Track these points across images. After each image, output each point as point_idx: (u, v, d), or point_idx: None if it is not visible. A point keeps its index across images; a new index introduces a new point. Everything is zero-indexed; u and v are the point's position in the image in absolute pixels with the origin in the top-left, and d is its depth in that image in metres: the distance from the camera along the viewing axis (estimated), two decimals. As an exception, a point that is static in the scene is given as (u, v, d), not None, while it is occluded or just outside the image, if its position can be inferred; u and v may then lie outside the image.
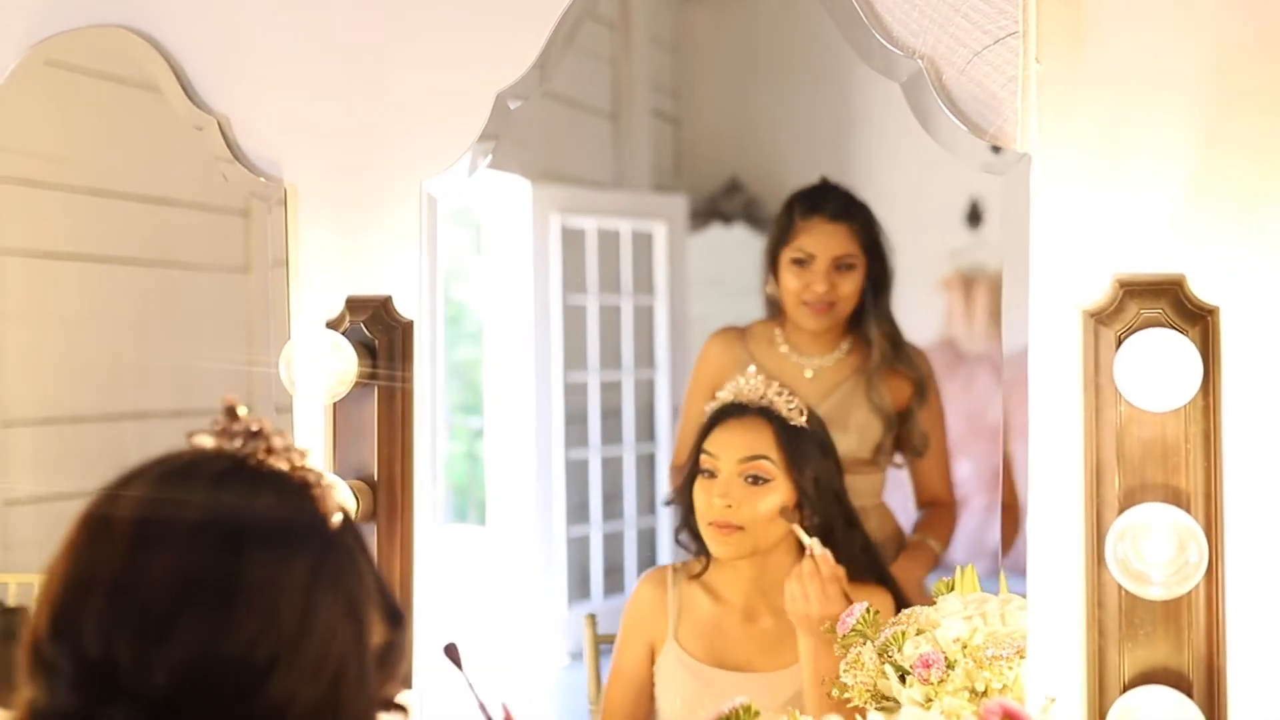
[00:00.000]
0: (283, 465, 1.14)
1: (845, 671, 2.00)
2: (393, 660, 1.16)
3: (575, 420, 3.06)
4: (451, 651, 1.66)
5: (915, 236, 3.00)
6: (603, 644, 2.51)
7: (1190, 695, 1.78)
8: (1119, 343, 1.80)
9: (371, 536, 2.20)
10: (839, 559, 2.20)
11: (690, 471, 2.31)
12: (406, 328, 2.24)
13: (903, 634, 1.98)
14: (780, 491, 2.23)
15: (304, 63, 2.33)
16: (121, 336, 2.62)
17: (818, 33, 2.38)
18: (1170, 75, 1.84)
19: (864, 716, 1.97)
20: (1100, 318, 1.84)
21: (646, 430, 3.15)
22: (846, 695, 1.99)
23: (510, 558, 2.95)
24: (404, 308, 2.24)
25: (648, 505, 3.03)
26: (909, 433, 2.54)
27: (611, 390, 3.12)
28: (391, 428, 2.23)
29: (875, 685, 1.96)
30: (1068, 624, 1.86)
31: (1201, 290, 1.82)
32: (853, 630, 2.02)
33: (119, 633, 1.04)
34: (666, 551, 2.55)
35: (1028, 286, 1.89)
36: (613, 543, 3.08)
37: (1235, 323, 1.81)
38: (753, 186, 3.19)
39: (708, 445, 2.28)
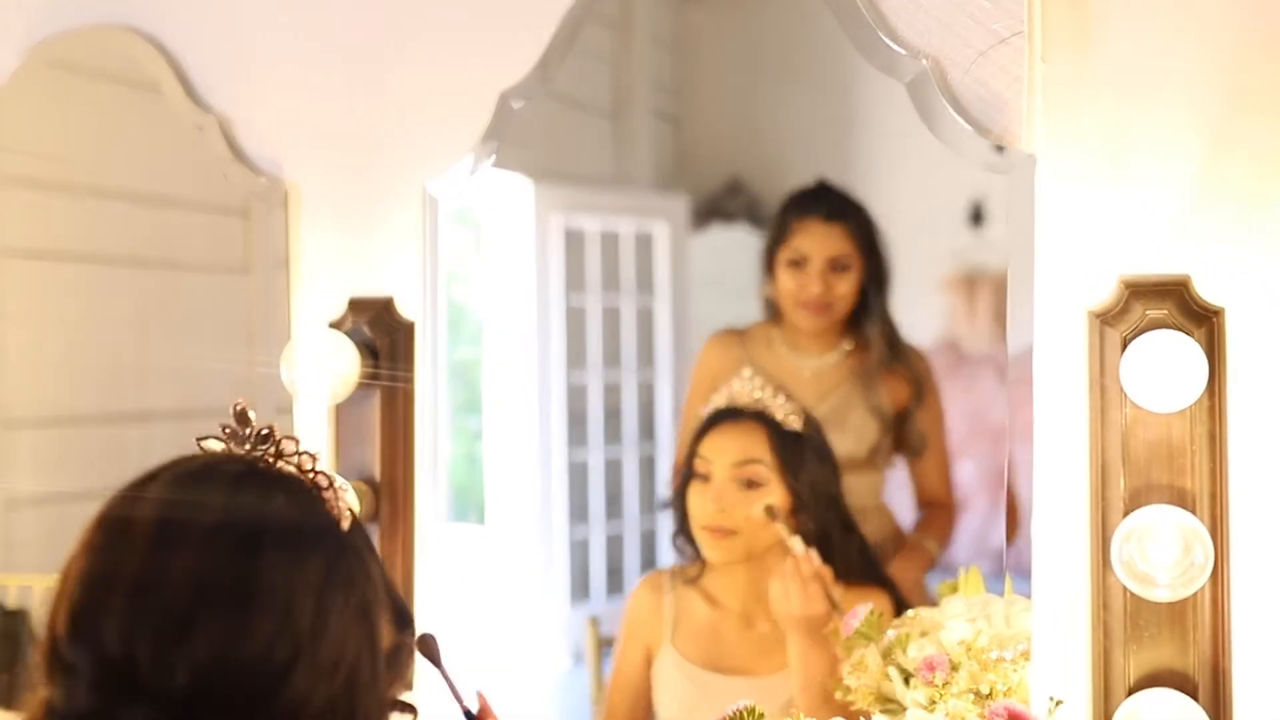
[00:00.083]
0: (292, 469, 1.15)
1: (849, 674, 2.00)
2: (400, 661, 1.18)
3: (576, 421, 3.06)
4: (427, 644, 1.60)
5: (919, 237, 3.00)
6: (606, 647, 2.50)
7: (1195, 698, 1.77)
8: (1124, 344, 1.79)
9: (373, 537, 2.19)
10: (836, 563, 2.19)
11: (685, 475, 2.30)
12: (408, 328, 2.23)
13: (907, 636, 1.97)
14: (774, 496, 2.22)
15: (305, 62, 2.32)
16: (122, 337, 2.61)
17: (820, 32, 2.37)
18: (1176, 75, 1.84)
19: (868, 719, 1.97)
20: (1105, 319, 1.83)
21: (647, 430, 3.14)
22: (849, 698, 1.98)
23: (511, 558, 2.94)
24: (406, 308, 2.24)
25: (648, 506, 3.02)
26: (908, 433, 2.54)
27: (612, 391, 3.12)
28: (393, 428, 2.22)
29: (879, 688, 1.96)
30: (1072, 626, 1.85)
31: (1207, 291, 1.81)
32: (856, 632, 2.02)
33: (140, 633, 1.05)
34: (667, 552, 2.54)
35: (1032, 287, 1.88)
36: (613, 544, 3.08)
37: (1241, 324, 1.80)
38: (755, 186, 3.19)
39: (702, 449, 2.27)
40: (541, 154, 2.86)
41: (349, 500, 1.16)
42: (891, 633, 2.00)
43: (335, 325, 2.24)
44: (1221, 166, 1.82)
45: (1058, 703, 1.71)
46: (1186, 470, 1.79)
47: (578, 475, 3.05)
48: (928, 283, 3.06)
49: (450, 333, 2.30)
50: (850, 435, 2.50)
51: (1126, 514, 1.79)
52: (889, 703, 1.95)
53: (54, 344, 2.64)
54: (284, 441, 1.16)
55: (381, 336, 2.22)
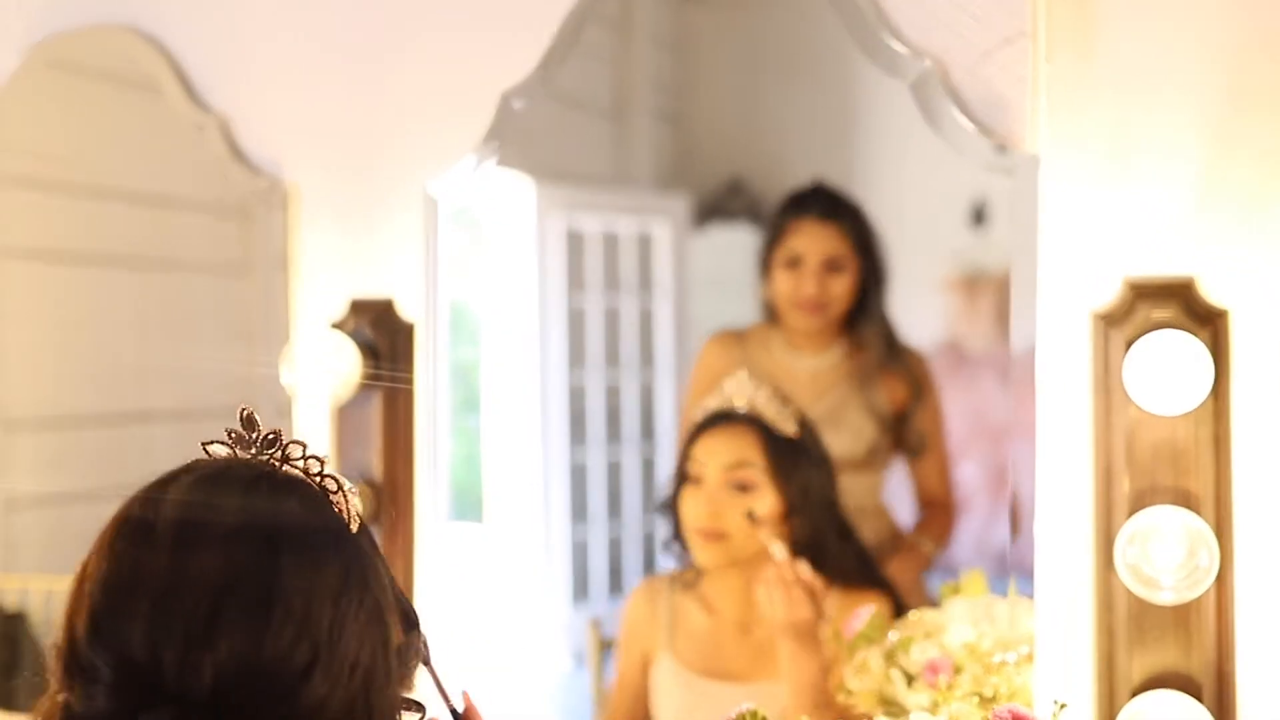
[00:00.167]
0: (299, 472, 1.15)
1: (852, 677, 1.99)
2: (408, 661, 1.19)
3: (576, 421, 3.06)
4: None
5: (921, 237, 2.99)
6: (608, 649, 2.49)
7: (1200, 700, 1.77)
8: (1129, 345, 1.78)
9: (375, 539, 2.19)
10: (832, 568, 2.18)
11: (678, 478, 2.28)
12: (409, 329, 2.22)
13: (910, 638, 1.97)
14: (766, 500, 2.20)
15: (306, 63, 2.32)
16: (122, 337, 2.61)
17: (822, 32, 2.37)
18: (1180, 76, 1.83)
19: (870, 722, 1.97)
20: (1110, 320, 1.82)
21: (648, 431, 3.14)
22: (852, 701, 1.98)
23: (512, 559, 2.94)
24: (407, 309, 2.23)
25: (649, 506, 3.02)
26: (906, 433, 2.54)
27: (613, 391, 3.11)
28: (394, 429, 2.21)
29: (882, 691, 1.95)
30: (1076, 628, 1.85)
31: (1212, 292, 1.80)
32: (859, 635, 2.01)
33: (166, 636, 1.05)
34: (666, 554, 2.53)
35: (1036, 289, 1.87)
36: (614, 544, 3.08)
37: (1246, 325, 1.79)
38: (755, 186, 3.19)
39: (694, 452, 2.26)
40: (542, 154, 2.85)
41: (357, 503, 1.17)
42: (894, 635, 2.00)
43: (337, 326, 2.23)
44: (1226, 167, 1.81)
45: (1061, 706, 1.70)
46: (1191, 472, 1.79)
47: (578, 475, 3.05)
48: (930, 283, 3.06)
49: (451, 333, 2.30)
50: (848, 435, 2.49)
51: (1130, 516, 1.79)
52: (891, 705, 1.95)
53: (54, 344, 2.64)
54: (290, 446, 1.16)
55: (382, 337, 2.21)
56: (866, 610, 2.05)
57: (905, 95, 1.97)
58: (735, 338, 2.67)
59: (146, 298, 2.59)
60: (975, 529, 2.77)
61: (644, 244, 3.17)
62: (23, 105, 2.55)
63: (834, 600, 2.16)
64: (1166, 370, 1.74)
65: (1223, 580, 1.77)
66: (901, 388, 2.54)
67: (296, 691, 1.06)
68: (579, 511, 3.03)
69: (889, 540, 2.52)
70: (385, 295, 2.24)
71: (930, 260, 3.03)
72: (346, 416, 2.23)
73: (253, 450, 1.15)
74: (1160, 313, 1.80)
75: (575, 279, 3.05)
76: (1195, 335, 1.77)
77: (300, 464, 1.16)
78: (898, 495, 2.60)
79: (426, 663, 1.40)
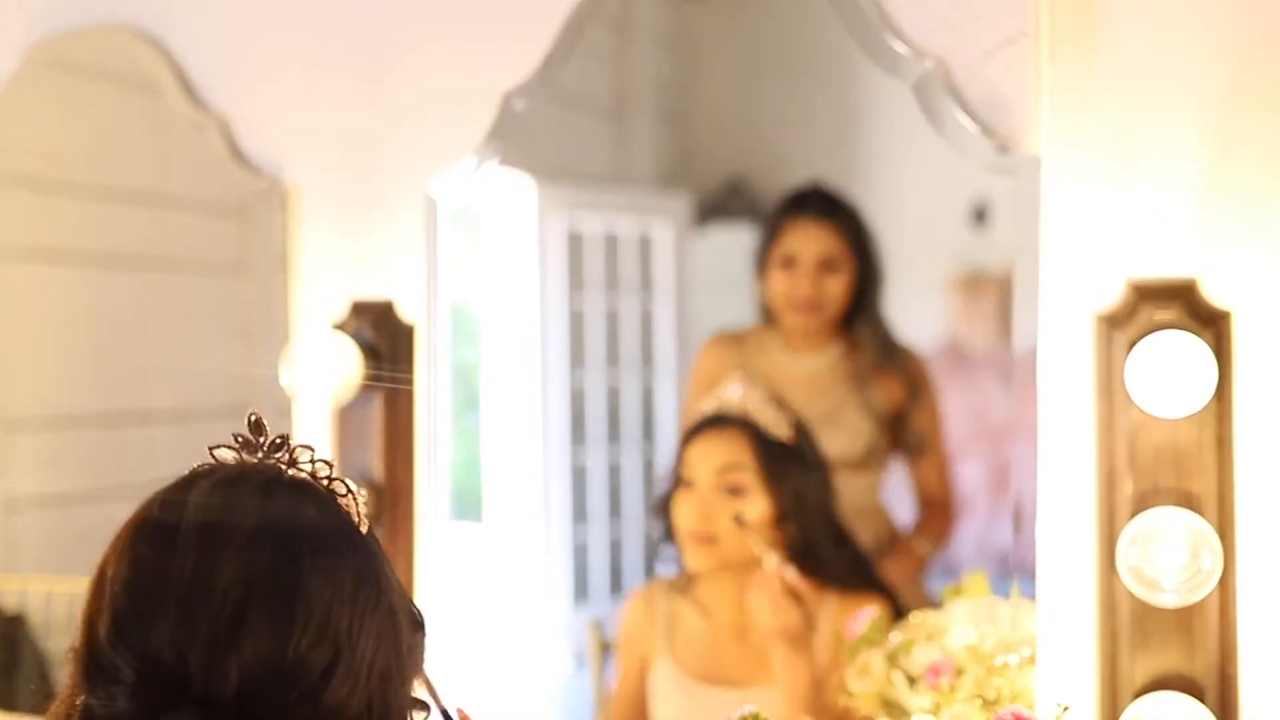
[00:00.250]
0: (306, 476, 1.17)
1: (854, 679, 1.99)
2: (416, 661, 1.20)
3: (577, 420, 3.05)
4: None
5: (922, 238, 2.99)
6: (609, 651, 2.49)
7: (1203, 702, 1.76)
8: (1131, 347, 1.78)
9: (375, 540, 2.18)
10: (828, 573, 2.18)
11: (672, 481, 2.28)
12: (410, 330, 2.22)
13: (912, 641, 1.96)
14: (757, 504, 2.19)
15: (306, 63, 2.32)
16: (122, 338, 2.61)
17: (824, 32, 2.37)
18: (1182, 77, 1.83)
19: (872, 725, 1.96)
20: (1112, 321, 1.82)
21: (649, 431, 3.14)
22: (854, 703, 1.97)
23: (512, 559, 2.94)
24: (408, 310, 2.23)
25: (650, 507, 3.02)
26: (904, 433, 2.54)
27: (614, 391, 3.11)
28: (395, 430, 2.21)
29: (883, 693, 1.95)
30: (1078, 630, 1.84)
31: (1215, 293, 1.80)
32: (861, 637, 2.01)
33: (191, 637, 1.07)
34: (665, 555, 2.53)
35: (1038, 290, 1.87)
36: (614, 544, 3.07)
37: (1249, 326, 1.79)
38: (757, 186, 3.18)
39: (687, 455, 2.25)
40: (543, 154, 2.85)
41: (364, 506, 1.19)
42: (896, 637, 1.99)
43: (337, 327, 2.23)
44: (1229, 167, 1.81)
45: (1064, 708, 1.70)
46: (1194, 474, 1.78)
47: (579, 476, 3.05)
48: (931, 283, 3.06)
49: (451, 333, 2.29)
50: (846, 436, 2.49)
51: (1133, 518, 1.78)
52: (893, 708, 1.94)
53: (54, 344, 2.64)
54: (299, 450, 1.17)
55: (383, 339, 2.21)
56: (868, 612, 2.05)
57: (907, 95, 1.96)
58: (733, 339, 2.67)
59: (146, 298, 2.59)
60: (977, 530, 2.77)
61: (644, 244, 3.17)
62: (23, 105, 2.54)
63: (831, 605, 2.16)
64: (1169, 372, 1.74)
65: (1225, 582, 1.77)
66: (899, 388, 2.54)
67: (319, 691, 1.08)
68: (579, 512, 3.03)
69: (887, 540, 2.52)
70: (386, 297, 2.23)
71: (931, 260, 3.03)
72: (347, 418, 2.22)
73: (260, 454, 1.16)
74: (1163, 314, 1.79)
75: (576, 279, 3.04)
76: (1198, 337, 1.77)
77: (308, 467, 1.17)
78: (898, 495, 2.59)
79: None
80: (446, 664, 1.98)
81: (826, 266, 2.55)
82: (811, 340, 2.58)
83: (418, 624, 1.20)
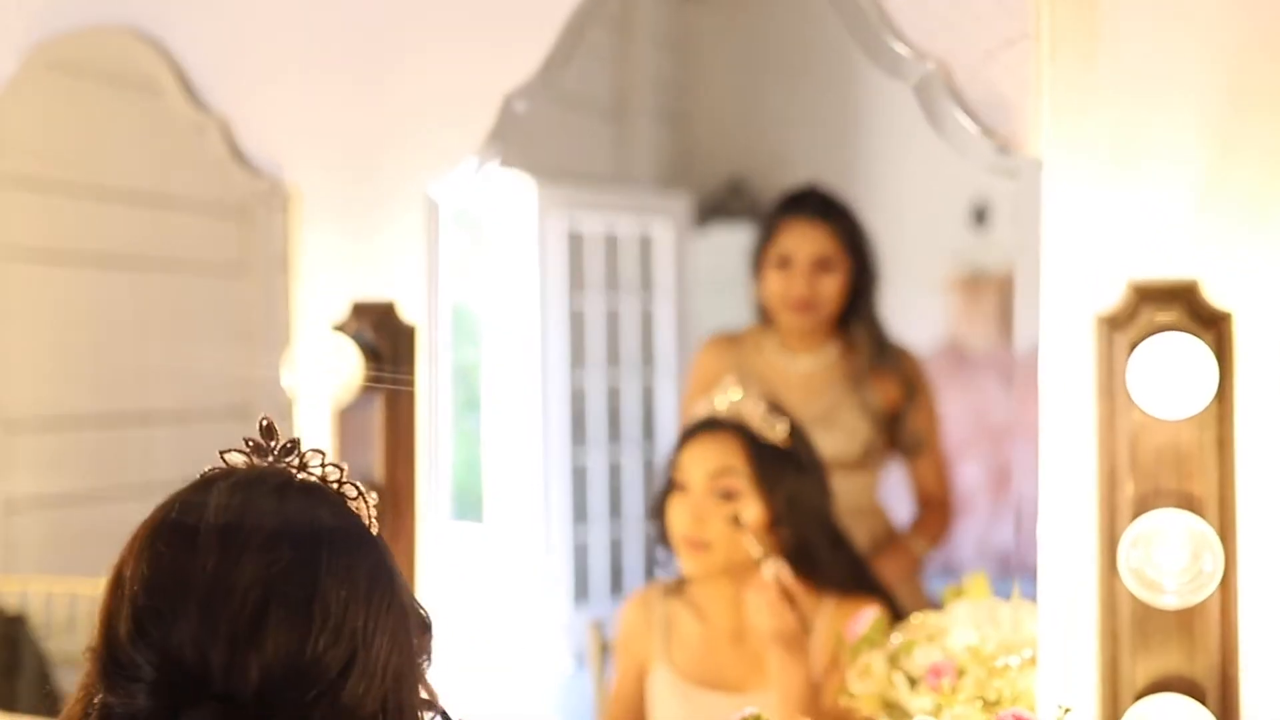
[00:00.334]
0: (316, 479, 1.19)
1: (855, 680, 1.99)
2: (425, 662, 1.22)
3: (577, 420, 3.05)
4: None
5: (923, 238, 2.99)
6: (610, 652, 2.49)
7: (1204, 704, 1.76)
8: (1132, 348, 1.78)
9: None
10: (823, 577, 2.17)
11: (665, 485, 2.26)
12: (411, 332, 2.22)
13: (913, 642, 1.96)
14: (751, 509, 2.18)
15: (307, 64, 2.32)
16: (122, 338, 2.61)
17: (824, 33, 2.37)
18: (1183, 78, 1.83)
19: (873, 726, 1.96)
20: (1113, 323, 1.82)
21: (649, 431, 3.14)
22: (854, 704, 1.97)
23: (513, 560, 2.94)
24: (409, 311, 2.23)
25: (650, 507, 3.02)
26: (900, 433, 2.54)
27: (614, 391, 3.11)
28: (396, 431, 2.21)
29: (884, 694, 1.95)
30: (1079, 631, 1.84)
31: (1216, 295, 1.80)
32: (862, 638, 2.01)
33: (213, 636, 1.08)
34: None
35: (1039, 291, 1.87)
36: (615, 545, 3.07)
37: (1250, 327, 1.79)
38: (757, 186, 3.18)
39: (680, 459, 2.24)
40: (543, 154, 2.85)
41: (373, 509, 1.21)
42: (897, 638, 1.99)
43: (338, 329, 2.23)
44: (1230, 169, 1.81)
45: (1065, 710, 1.70)
46: (1195, 476, 1.78)
47: (579, 476, 3.05)
48: (931, 283, 3.06)
49: (452, 334, 2.29)
50: (842, 436, 2.49)
51: (1134, 519, 1.78)
52: (894, 709, 1.94)
53: (54, 344, 2.64)
54: (309, 454, 1.19)
55: (384, 340, 2.21)
56: (868, 614, 2.05)
57: (908, 96, 1.96)
58: (730, 341, 2.67)
59: (147, 299, 2.59)
60: (978, 531, 2.77)
61: (645, 244, 3.17)
62: (23, 106, 2.54)
63: (828, 608, 2.15)
64: (1170, 373, 1.74)
65: (1227, 584, 1.77)
66: (895, 388, 2.54)
67: (336, 690, 1.10)
68: (580, 512, 3.03)
69: (884, 540, 2.52)
70: (387, 298, 2.23)
71: (932, 261, 3.03)
72: (348, 419, 2.22)
73: (271, 458, 1.18)
74: (1164, 315, 1.79)
75: (576, 279, 3.04)
76: (1199, 338, 1.77)
77: (319, 471, 1.18)
78: (896, 495, 2.60)
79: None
80: (447, 664, 1.98)
81: (821, 266, 2.55)
82: (807, 341, 2.58)
83: (426, 626, 1.21)
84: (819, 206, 2.60)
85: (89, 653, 1.13)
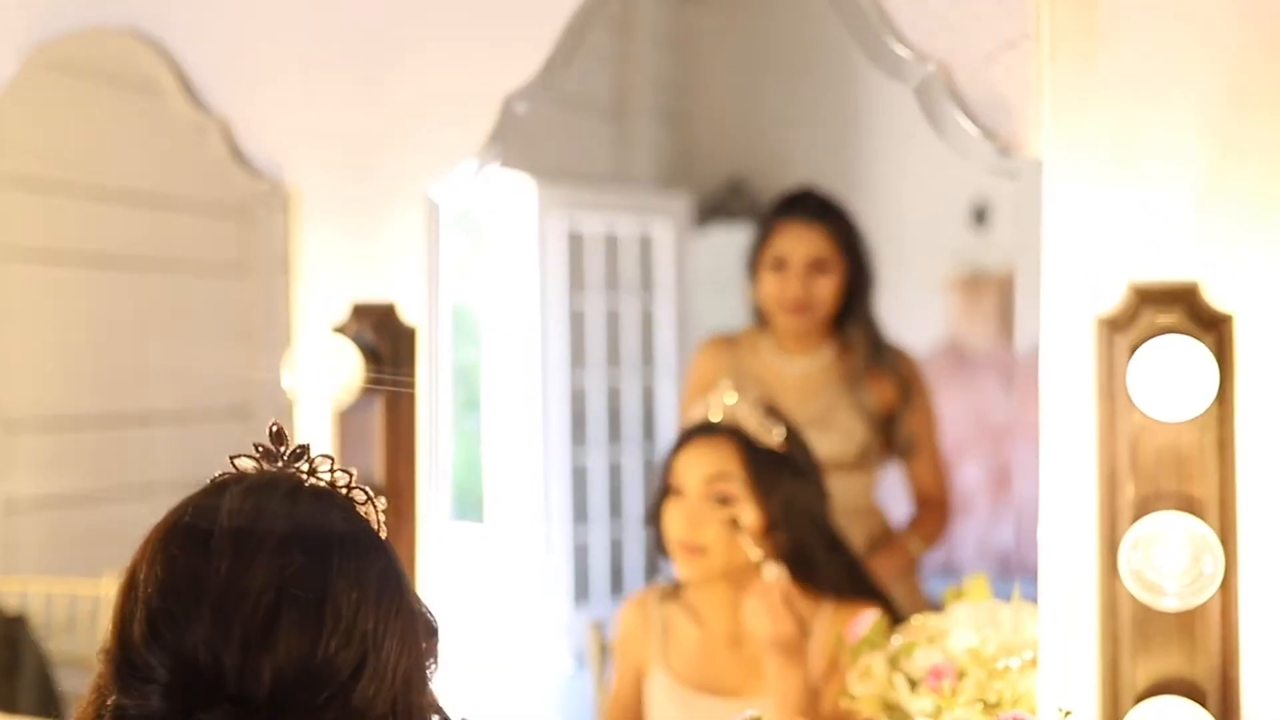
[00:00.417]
0: (325, 484, 1.20)
1: (855, 682, 1.99)
2: (432, 666, 1.23)
3: (577, 421, 3.05)
4: None
5: (923, 239, 2.99)
6: (610, 653, 2.49)
7: (1205, 706, 1.76)
8: (1133, 350, 1.77)
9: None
10: (821, 580, 2.16)
11: (661, 490, 2.26)
12: (411, 333, 2.22)
13: (913, 644, 1.96)
14: (747, 513, 2.17)
15: (307, 65, 2.31)
16: (122, 339, 2.61)
17: (825, 34, 2.37)
18: (1184, 79, 1.82)
19: (873, 728, 1.96)
20: (1114, 325, 1.82)
21: (649, 431, 3.14)
22: (855, 706, 1.97)
23: (513, 560, 2.94)
24: (410, 312, 2.23)
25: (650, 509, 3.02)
26: (897, 434, 2.54)
27: (614, 391, 3.11)
28: (397, 432, 2.21)
29: (885, 696, 1.95)
30: (1080, 633, 1.84)
31: (1216, 296, 1.80)
32: (862, 640, 2.01)
33: (226, 639, 1.10)
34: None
35: (1040, 293, 1.86)
36: (615, 546, 3.07)
37: (1250, 329, 1.79)
38: (757, 186, 3.19)
39: (676, 464, 2.23)
40: (543, 155, 2.85)
41: (381, 514, 1.22)
42: (898, 640, 1.99)
43: (338, 330, 2.23)
44: (1230, 170, 1.81)
45: (1066, 713, 1.70)
46: (1195, 478, 1.78)
47: (579, 477, 3.05)
48: (931, 284, 3.06)
49: (452, 335, 2.29)
50: (839, 437, 2.49)
51: (1134, 522, 1.78)
52: (895, 711, 1.94)
53: (54, 344, 2.64)
54: (318, 459, 1.20)
55: (384, 341, 2.21)
56: (869, 616, 2.04)
57: (908, 98, 1.96)
58: (726, 342, 2.67)
59: (146, 299, 2.59)
60: (978, 532, 2.77)
61: (645, 244, 3.17)
62: (23, 107, 2.54)
63: (826, 612, 2.15)
64: (1171, 375, 1.74)
65: (1227, 586, 1.77)
66: (891, 388, 2.54)
67: (347, 692, 1.11)
68: (580, 513, 3.03)
69: (880, 540, 2.52)
70: (387, 299, 2.23)
71: (932, 261, 3.03)
72: (348, 420, 2.22)
73: (280, 463, 1.19)
74: (1164, 317, 1.79)
75: (576, 280, 3.04)
76: (1200, 340, 1.76)
77: (328, 476, 1.19)
78: (893, 495, 2.60)
79: None
80: (448, 664, 1.98)
81: (816, 268, 2.55)
82: (803, 342, 2.58)
83: (433, 630, 1.22)
84: (814, 208, 2.60)
85: (102, 654, 1.14)
